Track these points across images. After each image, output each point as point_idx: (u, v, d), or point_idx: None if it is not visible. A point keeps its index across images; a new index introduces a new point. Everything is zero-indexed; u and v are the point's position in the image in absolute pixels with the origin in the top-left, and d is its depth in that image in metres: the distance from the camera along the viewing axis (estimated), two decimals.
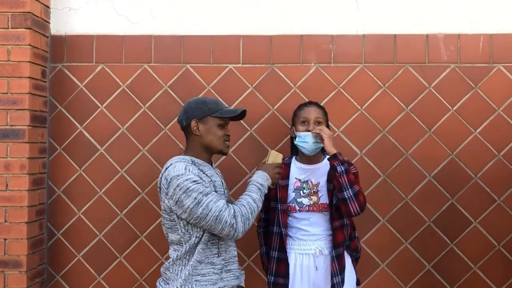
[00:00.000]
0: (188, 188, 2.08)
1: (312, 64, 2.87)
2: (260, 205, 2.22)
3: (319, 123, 2.41)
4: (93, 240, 2.93)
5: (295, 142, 2.42)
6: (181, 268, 2.17)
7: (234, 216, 2.10)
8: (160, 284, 2.24)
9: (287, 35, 2.88)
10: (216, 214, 2.08)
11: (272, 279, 2.42)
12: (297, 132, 2.42)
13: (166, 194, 2.14)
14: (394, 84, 2.85)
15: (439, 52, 2.83)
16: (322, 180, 2.44)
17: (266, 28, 2.89)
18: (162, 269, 2.24)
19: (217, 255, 2.18)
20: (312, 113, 2.43)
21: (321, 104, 2.58)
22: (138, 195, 2.92)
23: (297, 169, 2.47)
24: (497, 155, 2.81)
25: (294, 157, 2.53)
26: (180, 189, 2.09)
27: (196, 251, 2.15)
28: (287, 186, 2.44)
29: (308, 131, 2.38)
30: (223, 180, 2.32)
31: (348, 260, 2.41)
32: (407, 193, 2.84)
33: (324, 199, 2.41)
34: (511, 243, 2.80)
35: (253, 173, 2.31)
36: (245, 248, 2.82)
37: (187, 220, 2.13)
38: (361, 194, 2.31)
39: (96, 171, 2.93)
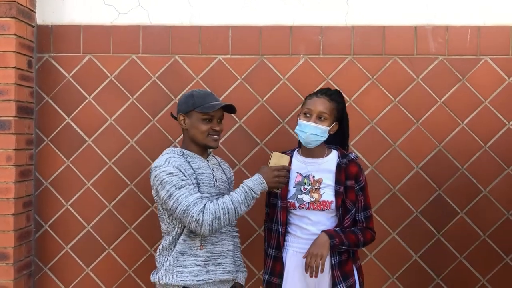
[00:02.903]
0: (163, 180, 2.13)
1: (301, 55, 2.87)
2: (243, 208, 2.15)
3: (322, 118, 2.28)
4: (81, 232, 2.92)
5: (295, 129, 2.33)
6: (166, 258, 2.20)
7: (203, 212, 2.08)
8: (152, 274, 2.28)
9: (276, 26, 2.87)
10: (184, 208, 2.09)
11: (266, 277, 2.37)
12: (299, 119, 2.32)
13: (151, 183, 2.22)
14: (383, 75, 2.86)
15: (427, 44, 2.84)
16: (326, 177, 2.32)
17: (255, 19, 2.88)
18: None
19: (199, 247, 2.18)
20: (317, 105, 2.28)
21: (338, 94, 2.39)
22: (127, 186, 2.91)
23: (298, 163, 2.36)
24: (484, 147, 2.84)
25: (296, 150, 2.43)
26: (157, 180, 2.16)
27: (178, 242, 2.18)
28: (288, 181, 2.31)
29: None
30: (218, 173, 2.29)
31: (354, 271, 2.34)
32: (395, 184, 2.87)
33: (326, 196, 2.30)
34: (496, 234, 2.84)
35: None
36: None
37: (167, 210, 2.18)
38: (368, 238, 2.34)
39: (84, 163, 2.91)
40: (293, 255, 2.33)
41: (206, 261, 2.19)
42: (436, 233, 2.85)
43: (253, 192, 2.16)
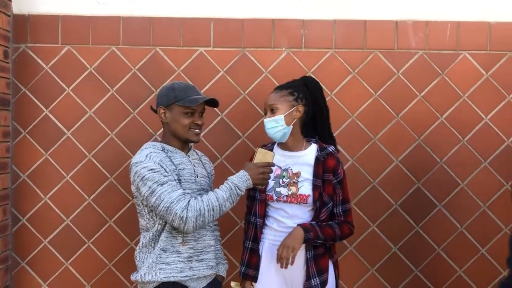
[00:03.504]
0: (144, 176, 2.08)
1: (284, 48, 2.87)
2: (228, 205, 2.13)
3: (274, 110, 2.30)
4: (60, 226, 2.88)
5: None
6: (146, 256, 2.16)
7: (187, 209, 2.05)
8: (132, 274, 2.22)
9: (258, 19, 2.86)
10: (167, 205, 2.05)
11: (243, 269, 2.37)
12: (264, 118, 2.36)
13: (131, 179, 2.16)
14: (364, 70, 2.88)
15: (408, 39, 2.87)
16: (304, 171, 2.33)
17: (237, 11, 2.86)
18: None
19: (181, 244, 2.15)
20: (268, 102, 2.34)
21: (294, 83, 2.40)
22: (106, 179, 2.88)
23: (277, 156, 2.34)
24: (462, 140, 2.89)
25: (276, 143, 2.43)
26: (137, 176, 2.10)
27: (160, 239, 2.14)
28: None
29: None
30: (199, 169, 2.26)
31: (330, 265, 2.35)
32: (375, 177, 2.90)
33: (303, 190, 2.30)
34: (473, 226, 2.89)
35: None
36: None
37: (148, 206, 2.13)
38: (345, 232, 2.35)
39: (62, 156, 2.87)
40: (269, 248, 2.34)
41: (189, 258, 2.17)
42: (414, 225, 2.90)
43: (238, 189, 2.14)
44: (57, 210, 2.88)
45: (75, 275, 2.89)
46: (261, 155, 2.20)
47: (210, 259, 2.23)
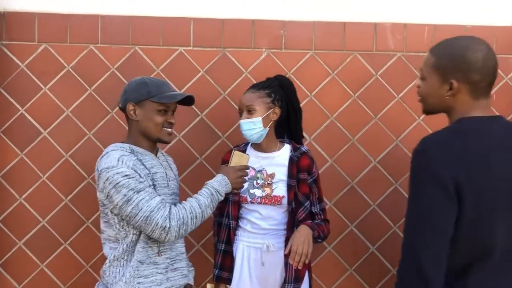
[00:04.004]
0: (118, 183, 1.89)
1: (264, 49, 2.88)
2: (209, 212, 2.04)
3: (252, 111, 2.28)
4: (36, 227, 2.83)
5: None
6: (120, 270, 1.99)
7: (169, 218, 1.91)
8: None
9: (238, 19, 2.86)
10: (147, 214, 1.89)
11: (216, 272, 2.35)
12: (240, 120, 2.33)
13: (98, 187, 1.98)
14: (343, 71, 2.90)
15: (386, 41, 2.90)
16: (278, 172, 2.33)
17: (217, 11, 2.86)
18: (101, 272, 2.07)
19: (157, 254, 2.02)
20: (244, 101, 2.31)
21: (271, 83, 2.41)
22: (84, 180, 2.84)
23: (252, 157, 2.33)
24: None
25: (250, 144, 2.42)
26: (109, 183, 1.91)
27: (136, 251, 1.97)
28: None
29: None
30: (168, 171, 2.18)
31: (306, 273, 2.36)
32: (353, 177, 2.92)
33: (278, 191, 2.31)
34: None
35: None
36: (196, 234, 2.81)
37: (120, 216, 1.97)
38: (328, 230, 2.40)
39: (39, 156, 2.82)
40: (243, 250, 2.34)
41: (166, 268, 2.05)
42: (392, 225, 2.93)
43: (218, 194, 2.07)
44: (32, 211, 2.83)
45: (51, 277, 2.84)
46: (237, 158, 2.16)
47: (183, 267, 2.15)
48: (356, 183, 2.92)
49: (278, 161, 2.35)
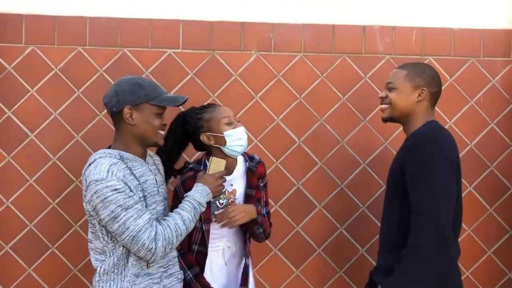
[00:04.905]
0: (107, 197, 1.81)
1: (253, 52, 2.87)
2: (192, 226, 1.98)
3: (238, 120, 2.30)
4: (23, 231, 2.80)
5: (228, 145, 2.20)
6: (112, 284, 1.91)
7: (155, 239, 1.85)
8: None
9: (228, 21, 2.86)
10: (134, 234, 1.83)
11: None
12: (226, 132, 2.19)
13: (85, 197, 1.89)
14: (332, 73, 2.91)
15: (375, 43, 2.91)
16: (238, 186, 2.29)
17: (206, 13, 2.85)
18: (93, 284, 2.00)
19: (146, 266, 1.95)
20: (229, 111, 2.26)
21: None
22: (72, 183, 2.81)
23: None
24: None
25: (204, 163, 2.30)
26: (97, 197, 1.82)
27: (129, 264, 1.91)
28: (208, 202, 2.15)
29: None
30: (158, 176, 2.09)
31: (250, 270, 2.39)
32: (342, 179, 2.93)
33: None
34: None
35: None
36: None
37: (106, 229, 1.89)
38: (269, 232, 2.40)
39: (26, 159, 2.79)
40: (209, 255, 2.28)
41: (160, 277, 2.00)
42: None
43: (201, 206, 2.02)
44: (19, 215, 2.80)
45: (39, 281, 2.81)
46: (215, 165, 2.11)
47: (177, 271, 2.13)
48: (346, 185, 2.93)
49: (237, 175, 2.30)
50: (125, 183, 1.85)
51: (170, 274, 2.07)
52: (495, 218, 2.97)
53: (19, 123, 2.79)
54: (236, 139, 2.22)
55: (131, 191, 1.86)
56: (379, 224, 2.91)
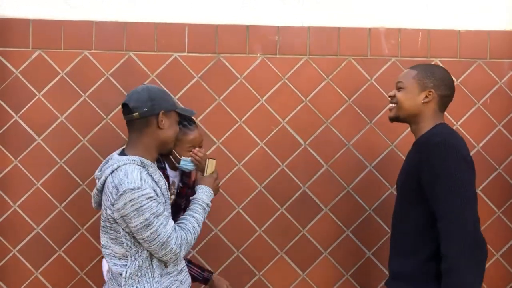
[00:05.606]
0: (142, 206, 1.85)
1: (258, 55, 2.88)
2: (201, 226, 2.12)
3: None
4: (30, 234, 2.81)
5: (181, 166, 2.29)
6: (142, 286, 1.96)
7: (180, 244, 1.96)
8: None
9: (233, 25, 2.86)
10: (164, 240, 1.91)
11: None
12: (185, 158, 2.27)
13: (112, 205, 1.89)
14: (337, 76, 2.90)
15: (380, 46, 2.90)
16: (177, 179, 2.39)
17: (212, 17, 2.86)
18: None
19: (164, 266, 2.02)
20: (198, 136, 2.30)
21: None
22: (78, 187, 2.82)
23: (172, 177, 2.35)
24: None
25: (167, 164, 2.34)
26: (132, 205, 1.85)
27: (154, 266, 1.98)
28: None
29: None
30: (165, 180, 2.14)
31: None
32: (349, 182, 2.92)
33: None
34: None
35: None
36: None
37: (131, 234, 1.94)
38: None
39: (33, 162, 2.80)
40: None
41: (177, 274, 2.09)
42: (388, 230, 2.91)
43: (208, 207, 2.17)
44: (27, 218, 2.81)
45: (46, 285, 2.82)
46: (211, 165, 2.25)
47: (184, 266, 2.18)
48: (352, 188, 2.92)
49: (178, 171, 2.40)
50: (154, 190, 1.92)
51: (181, 269, 2.13)
52: (503, 221, 2.94)
53: (26, 127, 2.81)
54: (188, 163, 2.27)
55: (158, 197, 1.93)
56: (386, 227, 2.92)
